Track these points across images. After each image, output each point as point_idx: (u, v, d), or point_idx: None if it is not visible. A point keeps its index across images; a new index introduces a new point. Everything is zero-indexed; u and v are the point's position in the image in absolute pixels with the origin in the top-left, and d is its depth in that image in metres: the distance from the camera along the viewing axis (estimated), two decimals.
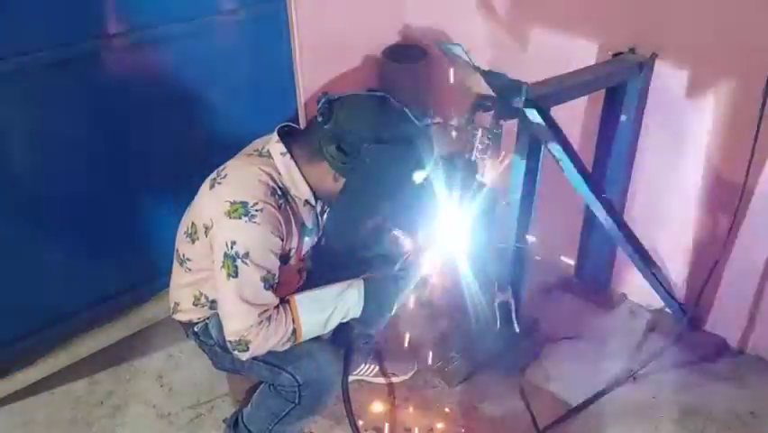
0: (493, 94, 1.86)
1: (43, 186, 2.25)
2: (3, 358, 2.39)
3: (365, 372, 2.35)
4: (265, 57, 2.67)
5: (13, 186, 2.19)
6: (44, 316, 2.43)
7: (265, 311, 1.66)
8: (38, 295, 2.35)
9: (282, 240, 1.66)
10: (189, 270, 1.80)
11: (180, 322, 1.93)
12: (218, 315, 1.74)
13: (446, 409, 2.27)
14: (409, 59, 2.89)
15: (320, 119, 1.61)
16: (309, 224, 1.79)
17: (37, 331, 2.44)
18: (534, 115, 1.92)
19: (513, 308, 2.27)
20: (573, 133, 2.06)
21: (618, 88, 2.25)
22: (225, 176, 1.67)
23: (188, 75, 2.45)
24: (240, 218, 1.59)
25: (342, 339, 1.97)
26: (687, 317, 2.38)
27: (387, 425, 2.22)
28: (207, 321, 1.87)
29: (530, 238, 2.21)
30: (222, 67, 2.53)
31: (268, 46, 2.66)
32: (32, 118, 2.16)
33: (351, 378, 2.17)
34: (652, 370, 2.36)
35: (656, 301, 2.50)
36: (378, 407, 2.28)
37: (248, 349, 1.67)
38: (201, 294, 1.82)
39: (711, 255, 2.26)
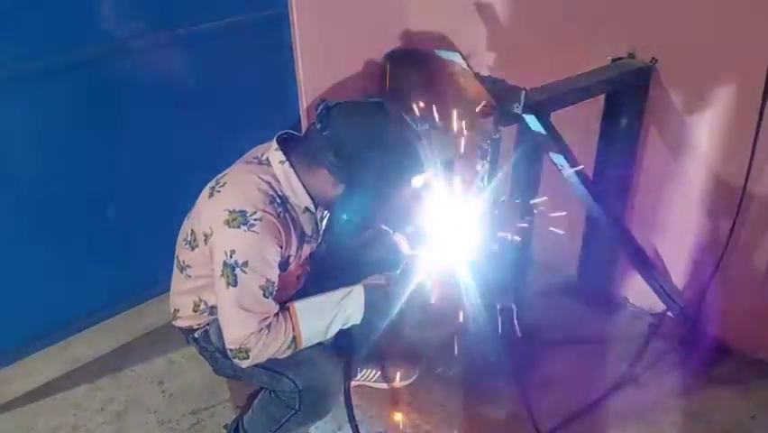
0: (492, 100, 1.86)
1: (44, 191, 2.26)
2: (3, 364, 2.39)
3: (367, 377, 2.35)
4: (267, 63, 2.68)
5: (15, 191, 2.20)
6: (45, 322, 2.44)
7: (265, 319, 1.66)
8: (38, 301, 2.35)
9: (281, 248, 1.66)
10: (189, 276, 1.81)
11: (180, 328, 1.93)
12: (218, 321, 1.74)
13: (448, 414, 2.27)
14: (411, 64, 2.89)
15: (318, 126, 1.62)
16: (309, 231, 1.79)
17: (38, 337, 2.45)
18: (533, 121, 1.92)
19: (514, 312, 2.26)
20: (573, 138, 2.06)
21: (618, 93, 2.24)
22: (224, 184, 1.68)
23: (190, 81, 2.46)
24: (239, 227, 1.59)
25: (344, 345, 1.97)
26: (688, 321, 2.38)
27: (389, 430, 2.22)
28: (207, 327, 1.87)
29: None
30: (224, 73, 2.54)
31: (270, 52, 2.67)
32: (34, 123, 2.17)
33: (352, 383, 2.17)
34: (653, 374, 2.35)
35: (658, 305, 2.48)
36: (380, 412, 2.28)
37: (248, 357, 1.67)
38: (201, 300, 1.83)
39: (713, 259, 2.25)
